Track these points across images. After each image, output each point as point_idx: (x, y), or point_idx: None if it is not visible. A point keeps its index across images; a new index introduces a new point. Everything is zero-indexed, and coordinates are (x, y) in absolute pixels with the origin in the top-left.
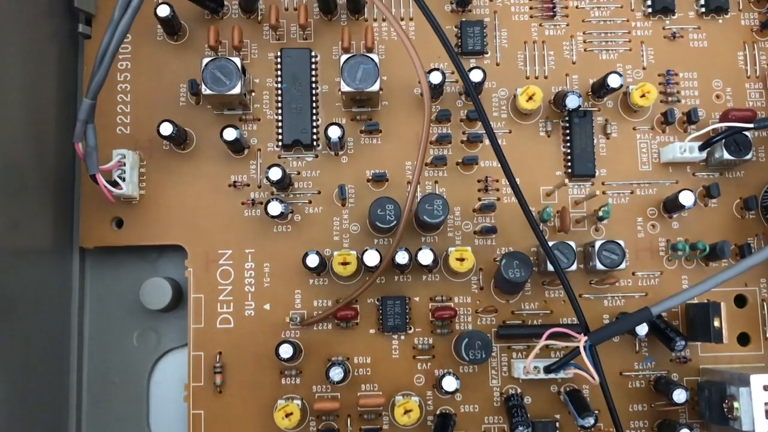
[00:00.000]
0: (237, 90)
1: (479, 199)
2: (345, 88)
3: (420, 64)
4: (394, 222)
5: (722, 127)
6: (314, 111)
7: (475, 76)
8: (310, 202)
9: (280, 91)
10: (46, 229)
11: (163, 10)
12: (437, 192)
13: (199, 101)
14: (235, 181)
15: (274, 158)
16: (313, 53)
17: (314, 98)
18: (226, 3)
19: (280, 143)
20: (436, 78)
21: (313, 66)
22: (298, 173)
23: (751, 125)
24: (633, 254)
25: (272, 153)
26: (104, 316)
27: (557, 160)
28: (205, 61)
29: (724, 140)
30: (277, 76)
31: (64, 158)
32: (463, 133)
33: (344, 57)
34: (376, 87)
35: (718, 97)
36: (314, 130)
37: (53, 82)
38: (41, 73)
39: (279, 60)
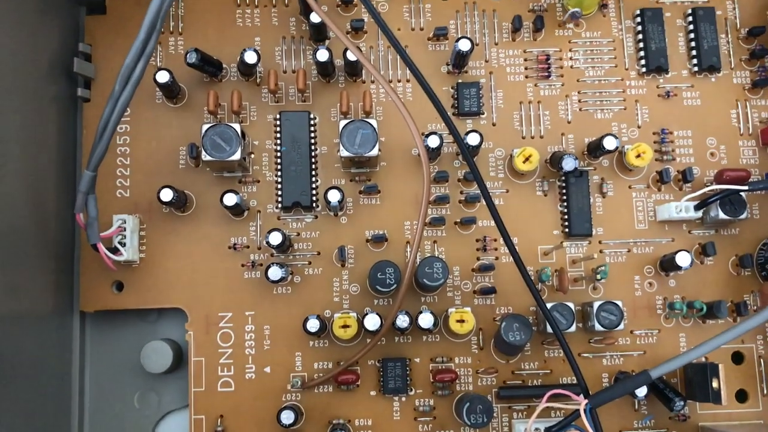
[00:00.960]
0: (237, 156)
1: (478, 259)
2: (344, 153)
3: (417, 131)
4: (395, 285)
5: (718, 188)
6: (313, 172)
7: (472, 139)
8: (310, 263)
9: (279, 154)
10: (47, 293)
11: (163, 77)
12: (436, 253)
13: (198, 164)
14: (234, 243)
15: (273, 220)
16: (311, 115)
17: (313, 160)
18: (224, 66)
19: (279, 205)
20: (433, 142)
21: (312, 128)
22: (298, 234)
23: (745, 188)
24: (631, 312)
25: (272, 214)
26: (105, 378)
27: (554, 220)
28: (205, 127)
29: (719, 200)
30: (276, 139)
31: (64, 222)
32: (461, 192)
33: (343, 122)
34: (375, 152)
35: (712, 155)
36: (314, 192)
37: (53, 146)
38: (41, 137)
39: (278, 123)
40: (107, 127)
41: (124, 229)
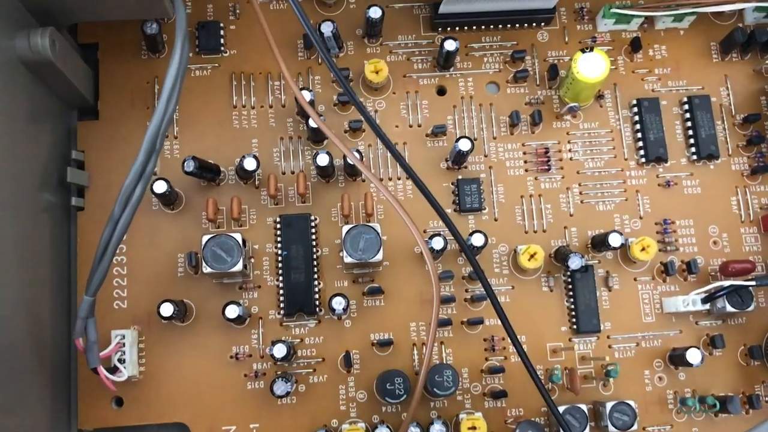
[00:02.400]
0: (238, 267)
1: (486, 359)
2: (348, 259)
3: (421, 238)
4: (404, 396)
5: (725, 284)
6: (315, 276)
7: (477, 240)
8: (314, 370)
9: (280, 258)
10: (43, 412)
11: (160, 187)
12: (444, 356)
13: (197, 271)
14: (236, 353)
15: (276, 326)
16: (312, 217)
17: (315, 262)
18: (222, 170)
19: (281, 311)
20: (438, 244)
21: (313, 230)
22: (301, 340)
23: (753, 282)
24: (642, 408)
25: (274, 321)
26: None
27: (561, 316)
28: (205, 238)
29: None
30: (276, 242)
31: (60, 338)
32: (466, 290)
33: (346, 228)
34: (379, 257)
35: (715, 243)
36: (316, 296)
37: (47, 258)
38: (35, 249)
39: (278, 226)
40: (107, 251)
41: (123, 345)
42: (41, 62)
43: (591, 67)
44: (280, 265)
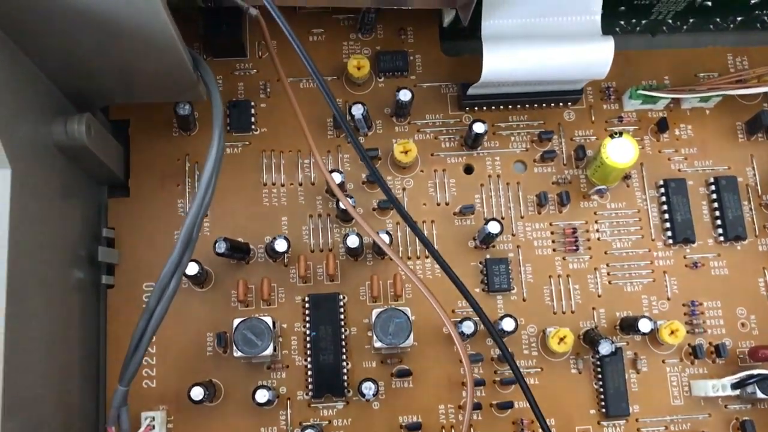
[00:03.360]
0: (269, 351)
1: None
2: (378, 344)
3: (450, 322)
4: None
5: (755, 372)
6: (344, 356)
7: (508, 325)
8: None
9: (308, 338)
10: None
11: (192, 269)
12: None
13: (226, 351)
14: None
15: (304, 407)
16: (341, 296)
17: (343, 342)
18: (252, 248)
19: (310, 392)
20: (468, 328)
21: (342, 309)
22: (329, 422)
23: None
24: None
25: (302, 402)
26: None
27: (591, 398)
28: (236, 322)
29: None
30: (305, 321)
31: (88, 417)
32: (495, 372)
33: (376, 311)
34: (410, 341)
35: (743, 325)
36: (345, 378)
37: (76, 335)
38: (65, 326)
39: (307, 305)
40: (142, 341)
41: (153, 427)
42: (76, 147)
43: (620, 152)
44: (308, 345)
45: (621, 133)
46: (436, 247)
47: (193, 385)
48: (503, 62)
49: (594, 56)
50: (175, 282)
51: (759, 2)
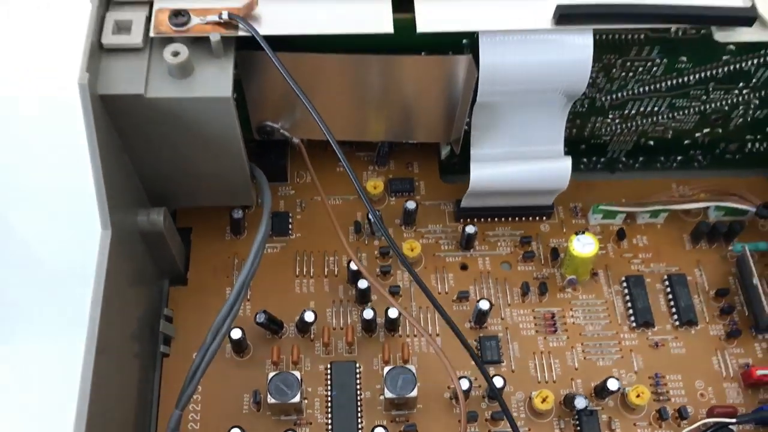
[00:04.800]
0: (297, 399)
1: None
2: (388, 394)
3: (454, 372)
4: None
5: (710, 422)
6: (359, 415)
7: (498, 382)
8: None
9: (329, 399)
10: None
11: (236, 333)
12: None
13: (259, 408)
14: None
15: None
16: (357, 365)
17: (359, 403)
18: (285, 325)
19: None
20: (464, 384)
21: (358, 376)
22: None
23: (734, 420)
24: None
25: None
26: None
27: None
28: (271, 375)
29: None
30: (327, 385)
31: None
32: (489, 431)
33: (386, 368)
34: (414, 393)
35: (702, 395)
36: None
37: (135, 393)
38: (129, 385)
39: (329, 372)
40: (197, 371)
41: None
42: (155, 233)
43: (584, 245)
44: (329, 405)
45: (584, 231)
46: (437, 328)
47: (233, 427)
48: (487, 175)
49: (557, 172)
50: (227, 323)
51: (692, 145)
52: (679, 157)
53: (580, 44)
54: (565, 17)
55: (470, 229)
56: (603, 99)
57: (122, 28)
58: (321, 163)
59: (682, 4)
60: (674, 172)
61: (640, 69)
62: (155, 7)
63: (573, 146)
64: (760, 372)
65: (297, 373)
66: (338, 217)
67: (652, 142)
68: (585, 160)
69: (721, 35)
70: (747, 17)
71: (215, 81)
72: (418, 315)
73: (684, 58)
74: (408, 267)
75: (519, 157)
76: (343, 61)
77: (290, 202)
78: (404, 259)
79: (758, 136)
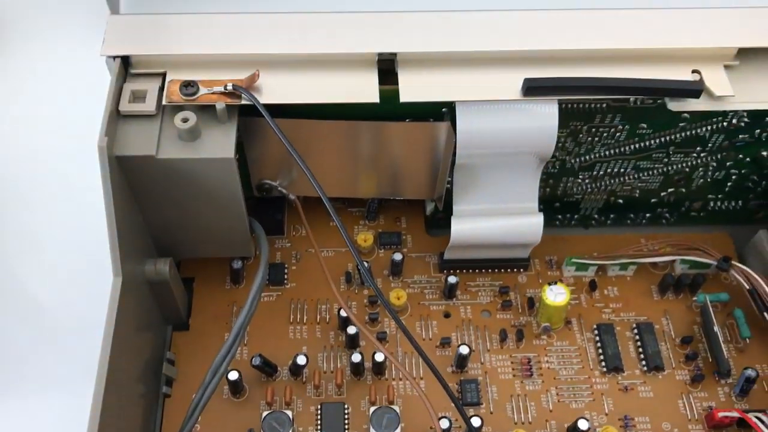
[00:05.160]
0: None
1: None
2: None
3: (434, 413)
4: None
5: None
6: None
7: (476, 422)
8: None
9: None
10: None
11: (233, 375)
12: None
13: None
14: None
15: None
16: (346, 406)
17: None
18: (278, 369)
19: None
20: (444, 424)
21: (346, 417)
22: None
23: None
24: None
25: None
26: None
27: None
28: (264, 413)
29: None
30: (317, 425)
31: None
32: None
33: (372, 408)
34: (399, 431)
35: None
36: None
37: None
38: (132, 424)
39: (319, 412)
40: (197, 408)
41: None
42: (161, 282)
43: (556, 295)
44: None
45: (557, 282)
46: (421, 371)
47: None
48: (466, 230)
49: (531, 227)
50: (225, 364)
51: (659, 203)
52: (647, 214)
53: (546, 113)
54: (532, 89)
55: (452, 279)
56: (573, 161)
57: (138, 97)
58: (315, 218)
59: (637, 78)
60: (644, 228)
61: (605, 134)
62: (168, 78)
63: (548, 204)
64: (721, 414)
65: (289, 412)
66: (330, 268)
67: (621, 201)
68: (560, 216)
69: (674, 105)
70: (694, 90)
71: (219, 144)
72: (404, 359)
73: (644, 125)
74: (393, 315)
75: (497, 213)
76: (337, 126)
77: (286, 253)
78: (390, 308)
79: (719, 195)
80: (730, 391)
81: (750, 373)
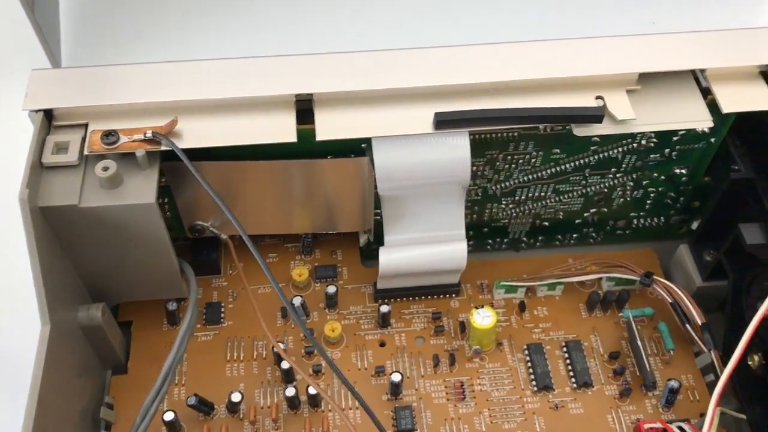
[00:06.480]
0: None
1: None
2: None
3: None
4: None
5: None
6: None
7: None
8: None
9: None
10: None
11: (169, 416)
12: None
13: None
14: None
15: None
16: None
17: None
18: (215, 407)
19: None
20: None
21: None
22: None
23: None
24: None
25: None
26: None
27: None
28: None
29: None
30: None
31: None
32: None
33: None
34: None
35: None
36: None
37: None
38: None
39: None
40: None
41: None
42: (94, 327)
43: (483, 318)
44: None
45: (483, 306)
46: (357, 403)
47: None
48: (394, 259)
49: (455, 253)
50: (155, 405)
51: (584, 224)
52: (574, 235)
53: (458, 144)
54: (442, 123)
55: (384, 308)
56: (494, 188)
57: (61, 148)
58: (251, 256)
59: (540, 107)
60: (573, 248)
61: (521, 161)
62: (89, 128)
63: (477, 230)
64: (647, 426)
65: None
66: (267, 304)
67: (546, 223)
68: (490, 241)
69: (579, 131)
70: (596, 115)
71: (140, 190)
72: (340, 390)
73: (557, 150)
74: (321, 351)
75: (425, 242)
76: (265, 166)
77: (223, 292)
78: (316, 343)
79: (641, 213)
80: (657, 402)
81: (673, 384)
